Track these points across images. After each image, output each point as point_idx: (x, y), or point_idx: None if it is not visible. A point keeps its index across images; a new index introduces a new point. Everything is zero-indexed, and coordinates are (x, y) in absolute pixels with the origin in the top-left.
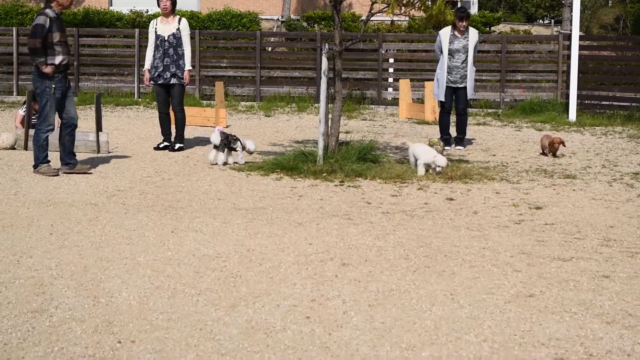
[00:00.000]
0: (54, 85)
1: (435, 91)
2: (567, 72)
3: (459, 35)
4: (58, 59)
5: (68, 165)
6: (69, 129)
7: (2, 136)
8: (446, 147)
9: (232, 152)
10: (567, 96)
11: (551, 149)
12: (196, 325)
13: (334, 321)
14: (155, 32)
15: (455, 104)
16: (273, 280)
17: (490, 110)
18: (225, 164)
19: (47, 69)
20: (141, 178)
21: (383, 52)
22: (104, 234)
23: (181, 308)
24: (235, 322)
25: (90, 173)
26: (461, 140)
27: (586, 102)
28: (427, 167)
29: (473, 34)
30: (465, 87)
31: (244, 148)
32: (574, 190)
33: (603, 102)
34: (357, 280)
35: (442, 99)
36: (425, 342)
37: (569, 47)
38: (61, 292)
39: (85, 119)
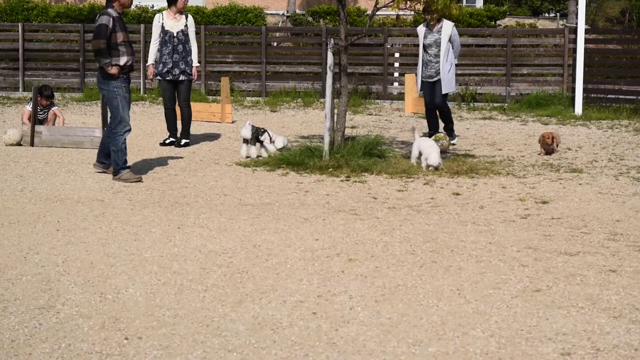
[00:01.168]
0: (123, 85)
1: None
2: (573, 66)
3: (432, 30)
4: (123, 60)
5: (103, 165)
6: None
7: (9, 132)
8: (452, 142)
9: (262, 144)
10: (573, 90)
11: (543, 146)
12: (203, 322)
13: (341, 317)
14: (163, 27)
15: (431, 99)
16: (279, 276)
17: (496, 104)
18: (259, 157)
19: (113, 70)
20: (147, 174)
21: (388, 46)
22: (111, 230)
23: (188, 304)
24: (242, 318)
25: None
26: (451, 130)
27: (592, 95)
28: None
29: (447, 27)
30: (439, 81)
31: (271, 141)
32: (580, 184)
33: (609, 96)
34: (363, 276)
35: (419, 93)
36: (432, 338)
37: (574, 41)
38: (68, 288)
39: (91, 114)
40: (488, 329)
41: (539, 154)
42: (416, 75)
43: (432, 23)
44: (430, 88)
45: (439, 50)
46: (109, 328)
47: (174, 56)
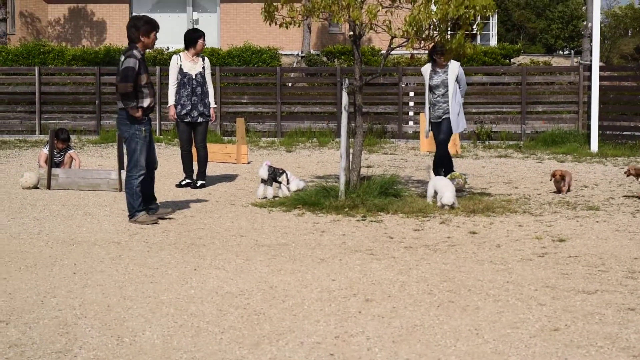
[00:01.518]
0: (143, 128)
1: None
2: (588, 103)
3: (439, 70)
4: (146, 102)
5: (151, 210)
6: (151, 172)
7: (25, 175)
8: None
9: (280, 185)
10: (589, 127)
11: (555, 185)
12: None
13: (358, 358)
14: (181, 69)
15: (435, 137)
16: (296, 317)
17: (511, 142)
18: (275, 197)
19: (139, 113)
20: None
21: (403, 85)
22: (127, 272)
23: (205, 346)
24: None
25: (171, 218)
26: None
27: (608, 132)
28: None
29: (453, 67)
30: (445, 120)
31: (288, 182)
32: (597, 222)
33: (625, 133)
34: (380, 316)
35: (426, 137)
36: None
37: (589, 78)
38: (85, 331)
39: (107, 157)
40: None
41: (555, 192)
42: (425, 116)
43: (443, 63)
44: (438, 128)
45: (447, 90)
46: None
47: (192, 98)
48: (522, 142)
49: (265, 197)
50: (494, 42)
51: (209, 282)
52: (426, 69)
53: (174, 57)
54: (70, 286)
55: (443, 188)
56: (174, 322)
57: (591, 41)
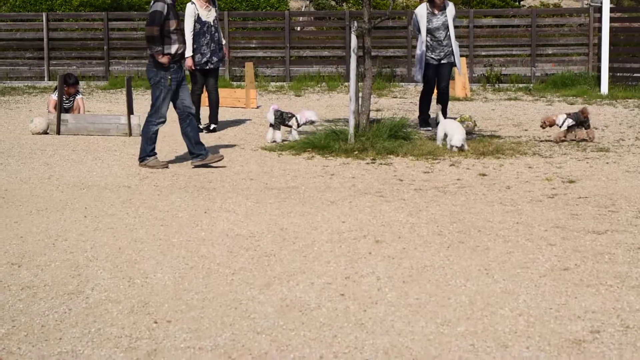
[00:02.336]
0: (170, 77)
1: (413, 72)
2: (598, 45)
3: (437, 12)
4: (174, 48)
5: (199, 157)
6: (187, 119)
7: (35, 121)
8: (428, 128)
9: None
10: (599, 69)
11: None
12: (231, 305)
13: (369, 298)
14: (199, 18)
15: (438, 82)
16: (307, 259)
17: (521, 85)
18: (284, 141)
19: (164, 59)
20: (173, 160)
21: (412, 29)
22: (138, 215)
23: (216, 288)
24: (270, 300)
25: (222, 166)
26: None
27: (618, 74)
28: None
29: (450, 8)
30: (448, 64)
31: (299, 125)
32: (607, 163)
33: (635, 74)
34: (390, 257)
35: (420, 79)
36: (461, 317)
37: (599, 20)
38: (97, 273)
39: (116, 102)
40: (516, 308)
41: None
42: (416, 61)
43: (441, 6)
44: (435, 70)
45: (447, 32)
46: (138, 312)
47: (211, 45)
48: (531, 85)
49: (275, 141)
50: None
51: (219, 225)
52: (422, 11)
53: (190, 6)
54: (81, 229)
55: (452, 130)
56: (185, 264)
57: None
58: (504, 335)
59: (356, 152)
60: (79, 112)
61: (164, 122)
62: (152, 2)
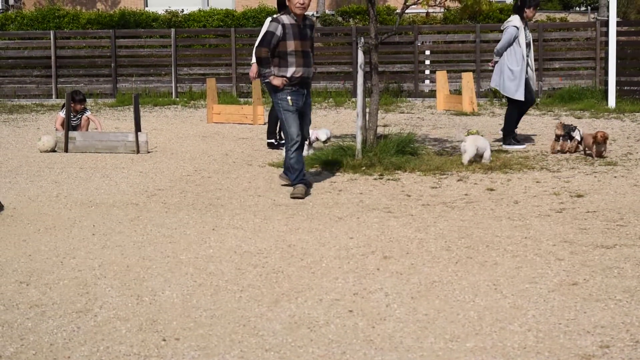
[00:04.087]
0: (289, 97)
1: (510, 89)
2: (605, 59)
3: (525, 26)
4: (290, 71)
5: (295, 186)
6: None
7: (43, 139)
8: (518, 146)
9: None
10: (606, 83)
11: (597, 148)
12: (239, 322)
13: (377, 314)
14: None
15: (530, 97)
16: (315, 275)
17: None
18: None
19: (275, 82)
20: (181, 177)
21: (419, 44)
22: (146, 233)
23: (224, 305)
24: (279, 317)
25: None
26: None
27: (625, 88)
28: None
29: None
30: (531, 79)
31: (310, 142)
32: (615, 177)
33: None
34: (399, 273)
35: (523, 97)
36: (470, 333)
37: (606, 34)
38: (105, 291)
39: (124, 119)
40: (525, 324)
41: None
42: (512, 78)
43: (531, 17)
44: (528, 86)
45: (531, 47)
46: (146, 330)
47: None
48: (539, 99)
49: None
50: None
51: (227, 242)
52: (519, 23)
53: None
54: (90, 247)
55: (485, 145)
56: (193, 281)
57: None
58: (513, 351)
59: (364, 168)
60: (87, 130)
61: (298, 144)
62: (268, 21)
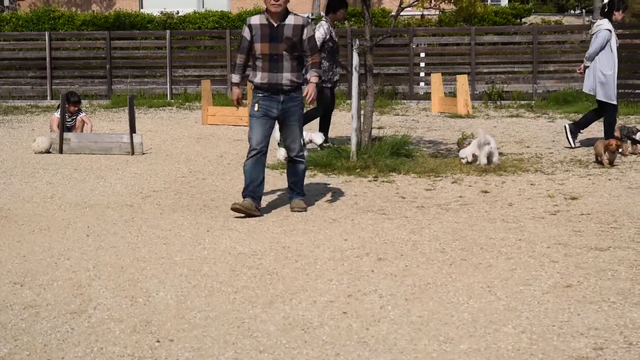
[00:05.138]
0: (256, 103)
1: (605, 93)
2: None
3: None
4: (258, 77)
5: (292, 200)
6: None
7: (38, 140)
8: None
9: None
10: None
11: (610, 156)
12: (234, 323)
13: (371, 316)
14: (332, 36)
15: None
16: (309, 277)
17: (523, 102)
18: (286, 159)
19: (232, 95)
20: (175, 178)
21: (414, 46)
22: (140, 234)
23: (218, 306)
24: (273, 319)
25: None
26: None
27: (620, 91)
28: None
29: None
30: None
31: (304, 144)
32: (609, 179)
33: (637, 91)
34: (393, 275)
35: (615, 101)
36: (463, 335)
37: None
38: (99, 292)
39: (119, 121)
40: (519, 325)
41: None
42: (605, 82)
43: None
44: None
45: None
46: (140, 331)
47: (335, 64)
48: (533, 102)
49: (279, 160)
50: (504, 2)
51: (221, 243)
52: (610, 26)
53: (324, 23)
54: (84, 248)
55: (495, 146)
56: (188, 283)
57: (602, 0)
58: (507, 353)
59: (358, 170)
60: (81, 131)
61: (255, 151)
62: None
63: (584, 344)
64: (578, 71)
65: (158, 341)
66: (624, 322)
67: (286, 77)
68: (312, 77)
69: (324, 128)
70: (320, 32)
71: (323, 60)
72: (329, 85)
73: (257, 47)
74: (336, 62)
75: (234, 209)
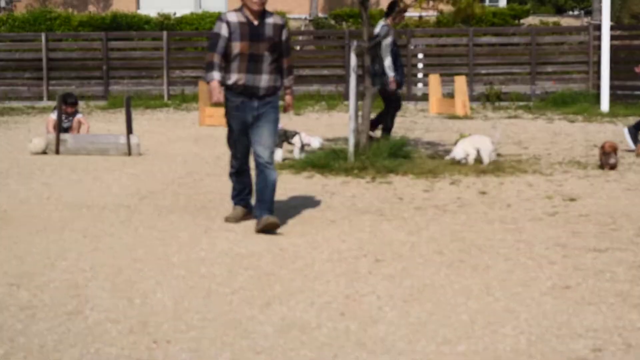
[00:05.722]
0: (232, 113)
1: None
2: (599, 63)
3: None
4: (232, 78)
5: (261, 217)
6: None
7: (34, 141)
8: None
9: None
10: (599, 87)
11: (603, 158)
12: (231, 324)
13: (369, 317)
14: (394, 40)
15: None
16: (307, 278)
17: (521, 103)
18: (284, 159)
19: (212, 95)
20: (173, 179)
21: (412, 47)
22: (137, 235)
23: (216, 307)
24: (270, 320)
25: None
26: None
27: (618, 92)
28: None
29: None
30: None
31: (302, 145)
32: (608, 181)
33: (636, 92)
34: (391, 276)
35: None
36: (462, 336)
37: (599, 38)
38: (96, 293)
39: (115, 122)
40: (518, 327)
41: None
42: None
43: None
44: None
45: None
46: (137, 332)
47: (400, 65)
48: (531, 103)
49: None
50: (502, 3)
51: (219, 244)
52: None
53: (385, 27)
54: (81, 249)
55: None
56: (185, 284)
57: (601, 1)
58: (505, 354)
59: (356, 171)
60: (78, 132)
61: (234, 170)
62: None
63: (583, 346)
64: (637, 70)
65: (155, 342)
66: (623, 323)
67: (264, 79)
68: (290, 85)
69: (388, 126)
70: (385, 35)
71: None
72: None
73: (236, 45)
74: (401, 64)
75: (227, 221)
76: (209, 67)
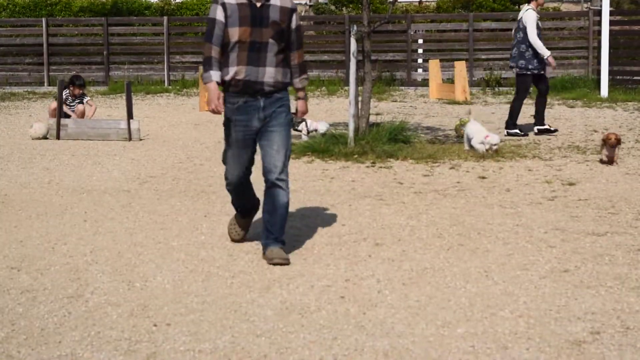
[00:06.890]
0: (231, 117)
1: None
2: (598, 48)
3: None
4: (230, 72)
5: (267, 248)
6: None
7: (35, 126)
8: None
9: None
10: (599, 72)
11: (608, 151)
12: (231, 307)
13: (369, 300)
14: (538, 24)
15: None
16: (307, 262)
17: None
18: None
19: (210, 103)
20: (173, 164)
21: (412, 32)
22: (137, 219)
23: (215, 291)
24: (270, 303)
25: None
26: None
27: (618, 77)
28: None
29: None
30: None
31: (308, 131)
32: (607, 165)
33: (635, 77)
34: (390, 260)
35: None
36: (461, 319)
37: (599, 23)
38: (96, 277)
39: (116, 107)
40: (516, 310)
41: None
42: None
43: None
44: None
45: None
46: (137, 315)
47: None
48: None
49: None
50: None
51: (219, 229)
52: None
53: (533, 13)
54: (81, 233)
55: (479, 133)
56: (185, 267)
57: None
58: (504, 337)
59: (356, 156)
60: (82, 116)
61: (231, 186)
62: None
63: (581, 328)
64: None
65: (155, 325)
66: (621, 306)
67: (269, 73)
68: (302, 87)
69: (540, 113)
70: (533, 20)
71: (529, 48)
72: (534, 72)
73: (234, 32)
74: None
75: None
76: (205, 64)
